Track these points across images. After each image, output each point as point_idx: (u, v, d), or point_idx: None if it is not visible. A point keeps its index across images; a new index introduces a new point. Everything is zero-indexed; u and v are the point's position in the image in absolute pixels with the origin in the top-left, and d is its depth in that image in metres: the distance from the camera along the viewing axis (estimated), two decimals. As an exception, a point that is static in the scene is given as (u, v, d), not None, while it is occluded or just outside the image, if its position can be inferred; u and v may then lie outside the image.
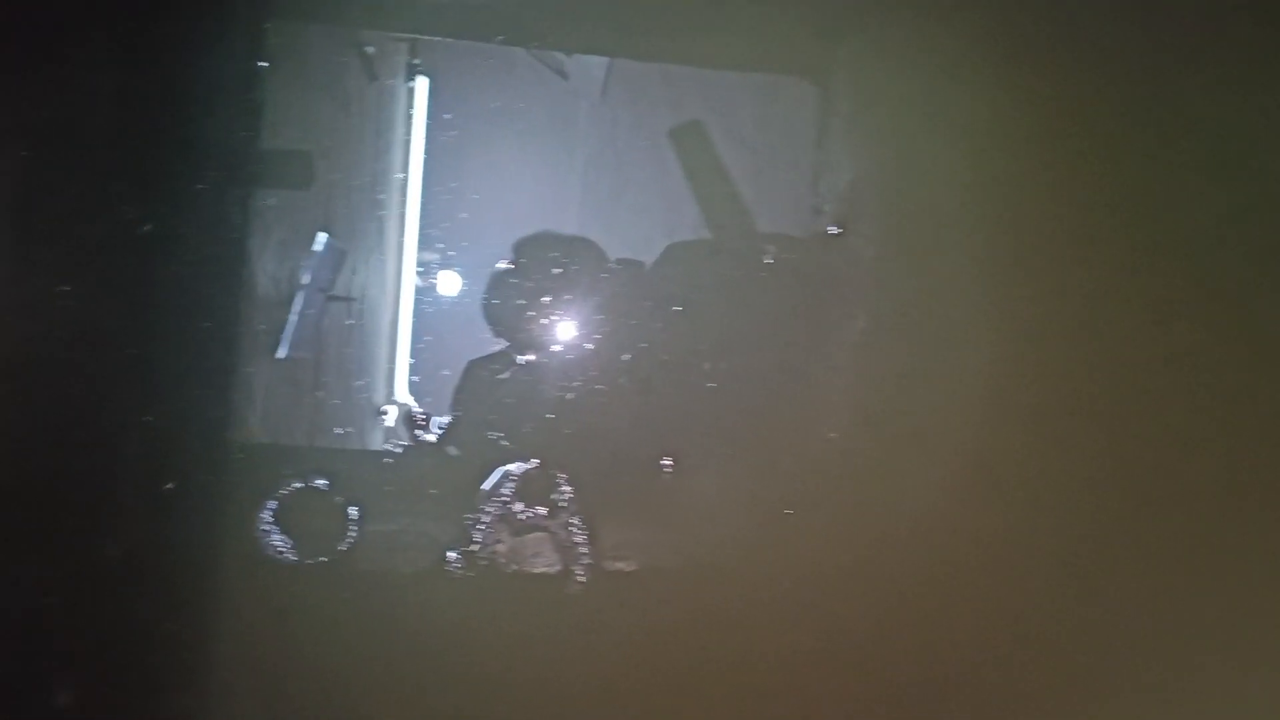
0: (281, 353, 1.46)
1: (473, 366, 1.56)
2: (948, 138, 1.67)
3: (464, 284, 1.54)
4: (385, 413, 1.58)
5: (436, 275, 1.52)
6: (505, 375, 1.58)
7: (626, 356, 1.63)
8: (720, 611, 1.64)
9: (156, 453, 1.45)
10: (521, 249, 1.57)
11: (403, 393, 1.58)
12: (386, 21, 1.50)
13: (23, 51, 1.36)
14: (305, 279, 1.45)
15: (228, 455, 1.53)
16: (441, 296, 1.54)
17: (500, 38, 1.54)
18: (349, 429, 1.57)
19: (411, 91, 1.50)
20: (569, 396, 1.61)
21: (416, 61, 1.50)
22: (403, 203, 1.49)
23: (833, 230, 1.66)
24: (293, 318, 1.44)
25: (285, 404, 1.53)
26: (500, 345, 1.60)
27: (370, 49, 1.49)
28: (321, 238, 1.46)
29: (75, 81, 1.39)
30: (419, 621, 1.57)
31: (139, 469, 1.45)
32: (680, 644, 1.63)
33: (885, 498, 1.67)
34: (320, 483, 1.56)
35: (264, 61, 1.52)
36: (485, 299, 1.57)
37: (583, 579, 1.62)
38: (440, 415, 1.60)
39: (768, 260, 1.64)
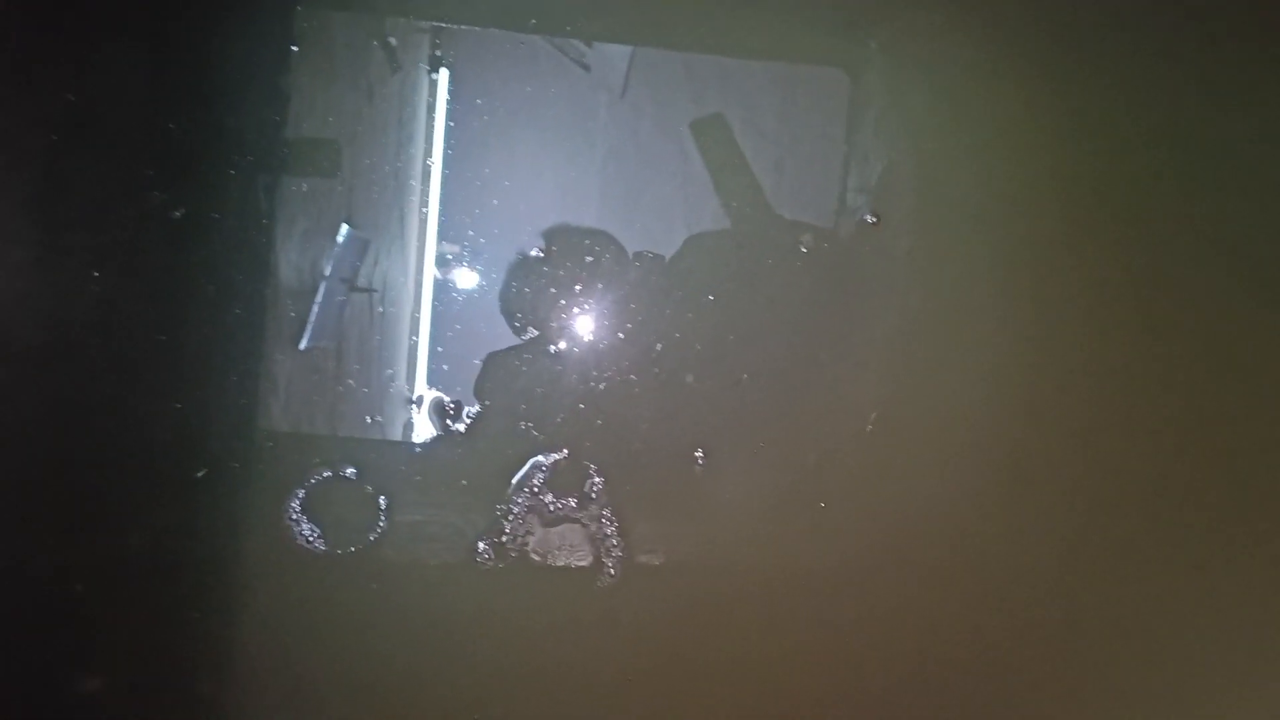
0: (304, 343, 1.46)
1: (500, 356, 1.53)
2: (981, 128, 1.64)
3: (490, 274, 1.52)
4: (415, 402, 1.55)
5: (460, 265, 1.50)
6: (534, 365, 1.55)
7: (659, 347, 1.59)
8: (751, 605, 1.62)
9: (185, 440, 1.46)
10: (547, 238, 1.55)
11: (431, 382, 1.55)
12: (410, 8, 1.49)
13: (52, 38, 1.36)
14: (328, 269, 1.44)
15: (256, 443, 1.52)
16: (467, 287, 1.52)
17: (531, 22, 1.51)
18: (377, 418, 1.54)
19: (434, 82, 1.48)
20: (600, 387, 1.58)
21: (439, 53, 1.48)
22: (425, 193, 1.48)
23: (870, 219, 1.62)
24: (315, 308, 1.44)
25: (312, 392, 1.51)
26: (530, 335, 1.57)
27: (393, 40, 1.48)
28: (344, 229, 1.45)
29: (104, 68, 1.39)
30: (447, 612, 1.56)
31: (168, 456, 1.45)
32: (712, 637, 1.61)
33: (916, 491, 1.65)
34: (349, 472, 1.54)
35: (294, 46, 1.50)
36: (513, 288, 1.55)
37: (613, 572, 1.59)
38: (470, 405, 1.57)
39: (802, 250, 1.60)
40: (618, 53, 1.54)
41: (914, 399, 1.65)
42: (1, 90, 1.32)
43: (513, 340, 1.56)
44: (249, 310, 1.48)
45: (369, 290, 1.49)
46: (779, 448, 1.62)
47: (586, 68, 1.51)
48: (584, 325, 1.58)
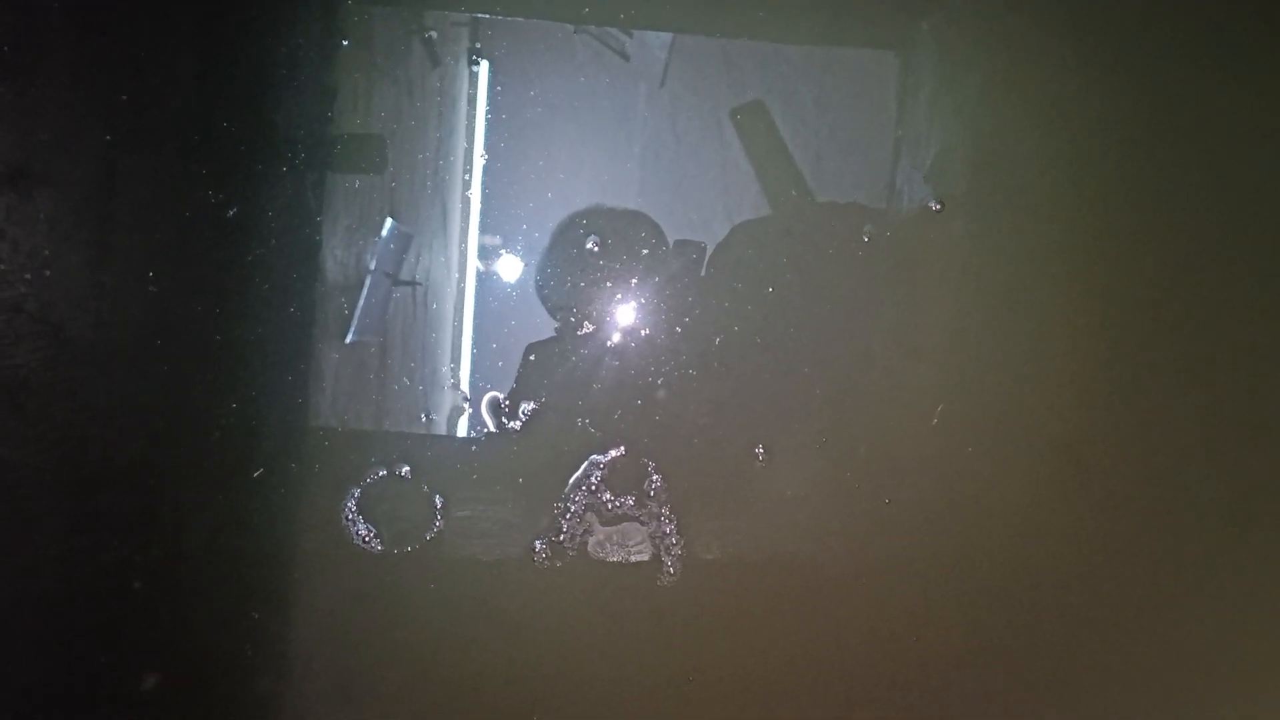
0: (350, 337, 1.45)
1: (552, 351, 1.51)
2: (1040, 111, 1.60)
3: (538, 267, 1.51)
4: (468, 400, 1.53)
5: (504, 259, 1.49)
6: (589, 360, 1.53)
7: (718, 340, 1.56)
8: (815, 602, 1.59)
9: (240, 439, 1.45)
10: (592, 230, 1.52)
11: (481, 378, 1.53)
12: (450, 1, 1.48)
13: (101, 38, 1.35)
14: (372, 263, 1.44)
15: (312, 442, 1.51)
16: (513, 279, 1.50)
17: (573, 11, 1.49)
18: (432, 416, 1.53)
19: (474, 76, 1.47)
20: (658, 382, 1.55)
21: (478, 46, 1.47)
22: (467, 186, 1.47)
23: (934, 206, 1.58)
24: (360, 302, 1.44)
25: (364, 390, 1.51)
26: (585, 329, 1.54)
27: (433, 34, 1.47)
28: (388, 223, 1.45)
29: (156, 67, 1.38)
30: (503, 612, 1.55)
31: (224, 455, 1.45)
32: (775, 635, 1.59)
33: (979, 484, 1.61)
34: (404, 470, 1.53)
35: (345, 41, 1.49)
36: (563, 281, 1.52)
37: (673, 570, 1.56)
38: (526, 402, 1.55)
39: (864, 239, 1.56)
40: (657, 41, 1.52)
41: (975, 390, 1.61)
42: (57, 91, 1.32)
43: (565, 334, 1.54)
44: (301, 307, 1.48)
45: (413, 284, 1.48)
46: (841, 442, 1.59)
47: (626, 57, 1.50)
48: (639, 319, 1.55)
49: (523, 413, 1.55)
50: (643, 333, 1.55)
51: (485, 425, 1.55)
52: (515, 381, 1.54)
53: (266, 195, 1.44)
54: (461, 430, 1.55)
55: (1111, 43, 1.59)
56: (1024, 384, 1.61)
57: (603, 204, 1.54)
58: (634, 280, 1.55)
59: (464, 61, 1.48)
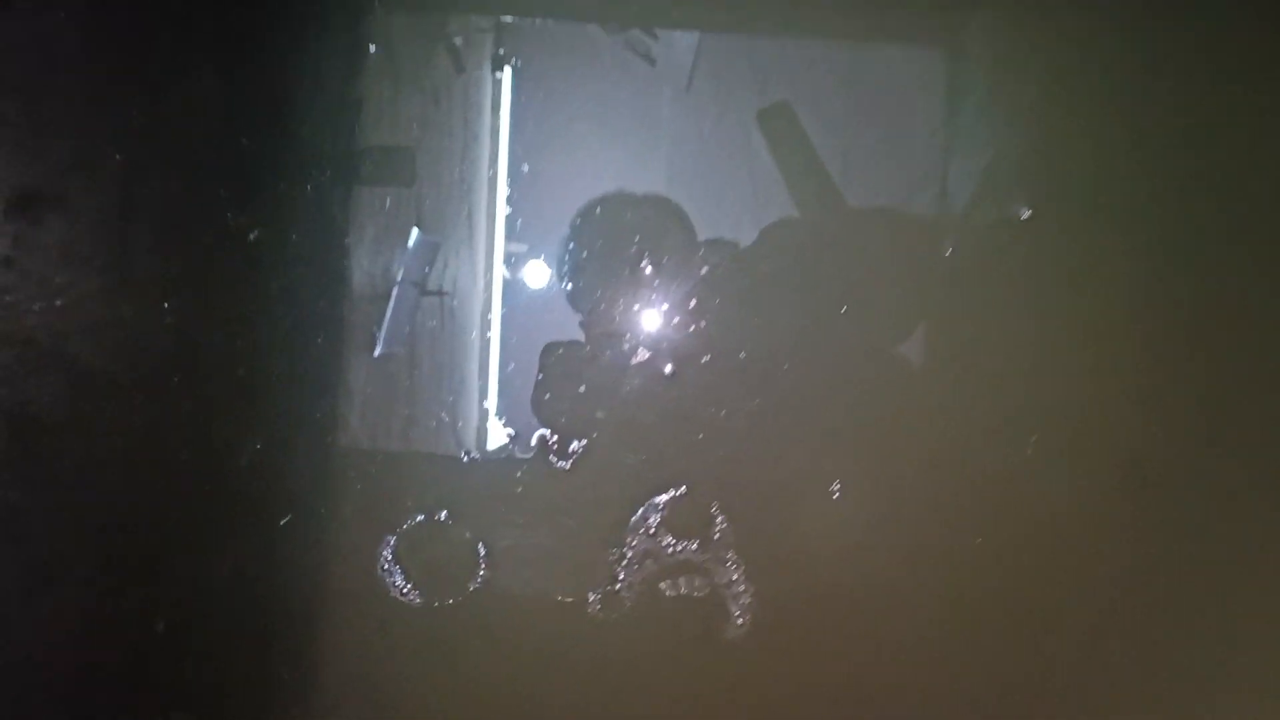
0: (379, 350, 1.40)
1: (601, 377, 1.41)
2: (1095, 115, 1.50)
3: (570, 278, 1.46)
4: (514, 435, 1.43)
5: (531, 273, 1.46)
6: (642, 389, 1.42)
7: (786, 366, 1.44)
8: (902, 650, 1.46)
9: (268, 476, 1.39)
10: (623, 239, 1.45)
11: (530, 412, 1.44)
12: (476, 3, 1.46)
13: (120, 53, 1.29)
14: (399, 275, 1.39)
15: (339, 481, 1.43)
16: (541, 287, 1.46)
17: (596, 13, 1.45)
18: (472, 455, 1.44)
19: (498, 82, 1.45)
20: (721, 413, 1.43)
21: (502, 51, 1.44)
22: (493, 195, 1.44)
23: (1024, 214, 1.45)
24: (389, 313, 1.39)
25: (393, 414, 1.45)
26: (640, 357, 1.43)
27: (458, 40, 1.45)
28: (415, 232, 1.40)
29: (175, 84, 1.32)
30: (556, 670, 1.44)
31: (250, 492, 1.39)
32: (855, 688, 1.46)
33: (1079, 517, 1.48)
34: (443, 516, 1.43)
35: (372, 46, 1.41)
36: (603, 299, 1.44)
37: (742, 620, 1.44)
38: (575, 440, 1.43)
39: (946, 254, 1.44)
40: (683, 44, 1.47)
41: (1044, 407, 1.48)
42: (70, 110, 1.25)
43: (617, 362, 1.43)
44: (328, 331, 1.43)
45: (440, 294, 1.42)
46: (928, 476, 1.46)
47: (652, 61, 1.45)
48: (693, 343, 1.45)
49: (572, 451, 1.44)
50: (702, 359, 1.44)
51: (532, 464, 1.44)
52: (572, 414, 1.43)
53: (289, 213, 1.38)
54: (507, 471, 1.45)
55: (1176, 35, 1.49)
56: (1091, 397, 1.49)
57: (632, 200, 1.45)
58: (692, 303, 1.43)
59: (488, 68, 1.46)
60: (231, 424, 1.37)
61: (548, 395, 1.44)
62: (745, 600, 1.44)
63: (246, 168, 1.36)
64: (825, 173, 1.46)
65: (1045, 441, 1.46)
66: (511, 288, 1.45)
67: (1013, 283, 1.48)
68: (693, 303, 1.44)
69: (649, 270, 1.44)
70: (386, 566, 1.44)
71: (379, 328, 1.41)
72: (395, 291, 1.40)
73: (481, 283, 1.44)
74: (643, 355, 1.45)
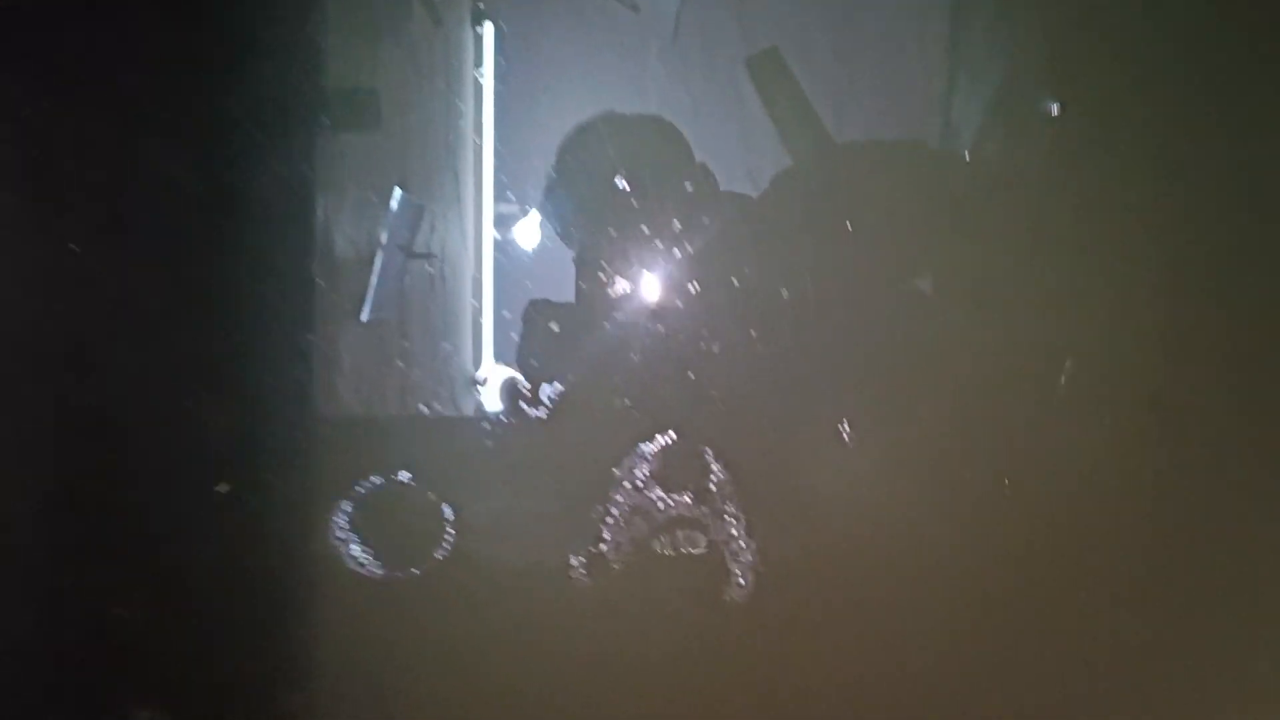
0: (365, 315, 1.31)
1: (579, 318, 1.28)
2: (1110, 58, 1.36)
3: (553, 231, 1.35)
4: (482, 381, 1.29)
5: (520, 225, 1.36)
6: (626, 327, 1.28)
7: (785, 293, 1.29)
8: (918, 613, 1.33)
9: (226, 445, 1.29)
10: (613, 188, 1.33)
11: (500, 357, 1.30)
12: None
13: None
14: (383, 238, 1.31)
15: (290, 447, 1.30)
16: (530, 248, 1.36)
17: None
18: (434, 405, 1.33)
19: (479, 37, 1.38)
20: (715, 348, 1.29)
21: (481, 5, 1.37)
22: (479, 152, 1.37)
23: (1053, 109, 1.31)
24: (374, 278, 1.31)
25: (374, 382, 1.35)
26: (622, 285, 1.29)
27: None
28: (397, 193, 1.31)
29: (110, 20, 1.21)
30: (536, 644, 1.31)
31: (205, 463, 1.29)
32: (868, 655, 1.33)
33: (1100, 463, 1.35)
34: (405, 477, 1.29)
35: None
36: (586, 241, 1.32)
37: (744, 581, 1.31)
38: (550, 384, 1.29)
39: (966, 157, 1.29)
40: None
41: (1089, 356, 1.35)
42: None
43: (593, 290, 1.31)
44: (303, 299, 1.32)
45: (428, 256, 1.35)
46: (948, 413, 1.33)
47: (635, 8, 1.38)
48: (682, 270, 1.31)
49: (548, 397, 1.29)
50: (690, 291, 1.30)
51: (503, 415, 1.32)
52: (548, 356, 1.31)
53: (243, 167, 1.27)
54: (477, 423, 1.33)
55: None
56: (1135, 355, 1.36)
57: (616, 156, 1.33)
58: (672, 222, 1.30)
59: (468, 23, 1.39)
60: (185, 392, 1.27)
61: (518, 333, 1.30)
62: (746, 559, 1.31)
63: (198, 118, 1.25)
64: (817, 119, 1.37)
65: (1071, 379, 1.34)
66: (501, 248, 1.38)
67: (1027, 214, 1.36)
68: (678, 225, 1.29)
69: (627, 187, 1.29)
70: (341, 535, 1.29)
71: (366, 292, 1.32)
72: (380, 255, 1.31)
73: (471, 245, 1.38)
74: (624, 285, 1.30)
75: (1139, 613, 1.36)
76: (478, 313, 1.36)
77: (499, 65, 1.37)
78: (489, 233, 1.37)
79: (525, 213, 1.34)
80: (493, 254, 1.37)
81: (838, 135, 1.36)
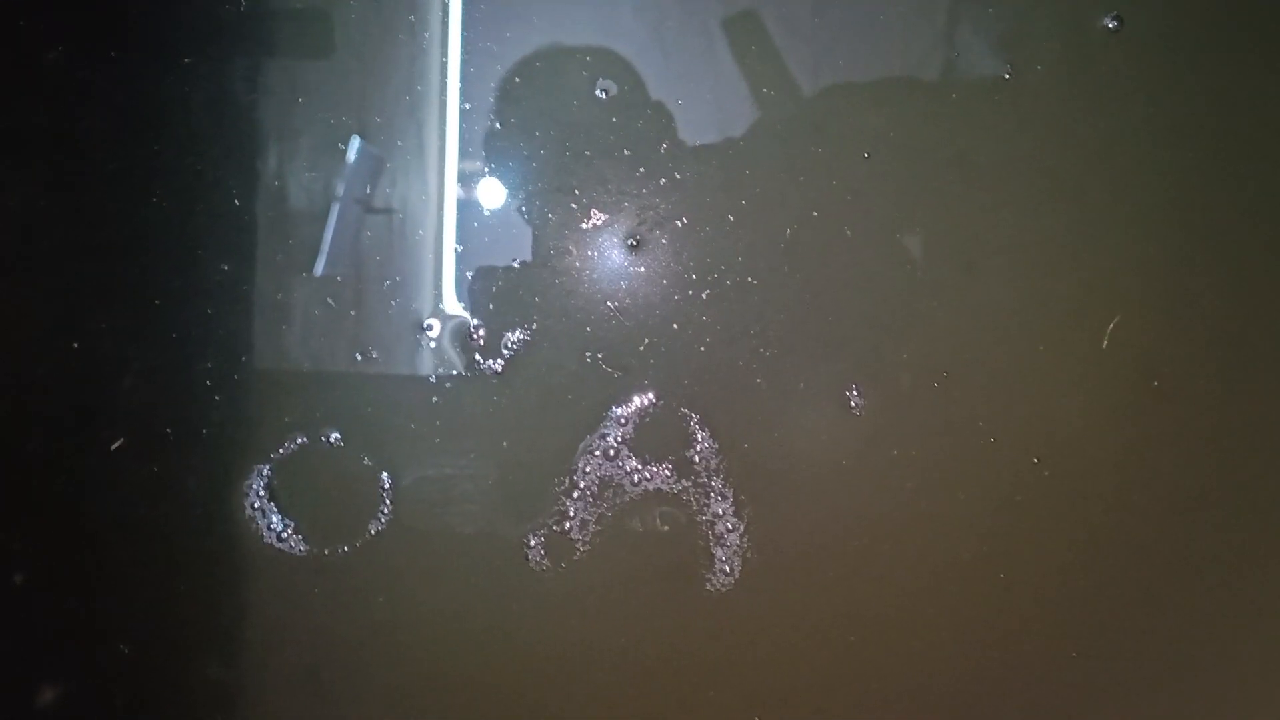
0: (319, 269, 1.18)
1: (540, 248, 1.13)
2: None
3: (516, 185, 1.21)
4: (429, 328, 1.11)
5: (483, 179, 1.21)
6: (600, 273, 1.12)
7: (787, 235, 1.12)
8: (926, 606, 1.20)
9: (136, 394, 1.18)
10: (583, 140, 1.18)
11: (453, 304, 1.14)
12: None
13: None
14: (339, 190, 1.20)
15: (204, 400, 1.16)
16: (494, 203, 1.21)
17: None
18: (371, 354, 1.18)
19: None
20: (702, 295, 1.13)
21: None
22: (443, 106, 1.26)
23: (1111, 24, 1.14)
24: (328, 232, 1.20)
25: (305, 324, 1.19)
26: (595, 218, 1.12)
27: None
28: (354, 142, 1.19)
29: None
30: (485, 637, 1.18)
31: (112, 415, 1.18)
32: (869, 652, 1.21)
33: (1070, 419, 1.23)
34: (334, 438, 1.15)
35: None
36: (549, 188, 1.16)
37: (729, 568, 1.17)
38: (509, 331, 1.11)
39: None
40: None
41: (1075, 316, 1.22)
42: None
43: (561, 224, 1.15)
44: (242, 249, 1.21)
45: (389, 211, 1.22)
46: (968, 378, 1.18)
47: None
48: (663, 205, 1.16)
49: (506, 346, 1.11)
50: (676, 223, 1.12)
51: (455, 368, 1.16)
52: (484, 292, 1.16)
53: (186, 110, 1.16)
54: (420, 380, 1.16)
55: None
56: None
57: (590, 109, 1.18)
58: (650, 141, 1.12)
59: None
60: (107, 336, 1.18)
61: (471, 271, 1.12)
62: (733, 542, 1.17)
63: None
64: (794, 81, 1.22)
65: (1059, 345, 1.22)
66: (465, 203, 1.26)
67: (1018, 176, 1.23)
68: (664, 145, 1.11)
69: (603, 96, 1.11)
70: (258, 505, 1.13)
71: (319, 245, 1.19)
72: (335, 208, 1.20)
73: (434, 200, 1.25)
74: (597, 218, 1.12)
75: (1141, 596, 1.25)
76: (438, 266, 1.21)
77: (466, 16, 1.23)
78: (451, 187, 1.24)
79: (490, 167, 1.20)
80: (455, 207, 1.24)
81: (822, 79, 1.21)
